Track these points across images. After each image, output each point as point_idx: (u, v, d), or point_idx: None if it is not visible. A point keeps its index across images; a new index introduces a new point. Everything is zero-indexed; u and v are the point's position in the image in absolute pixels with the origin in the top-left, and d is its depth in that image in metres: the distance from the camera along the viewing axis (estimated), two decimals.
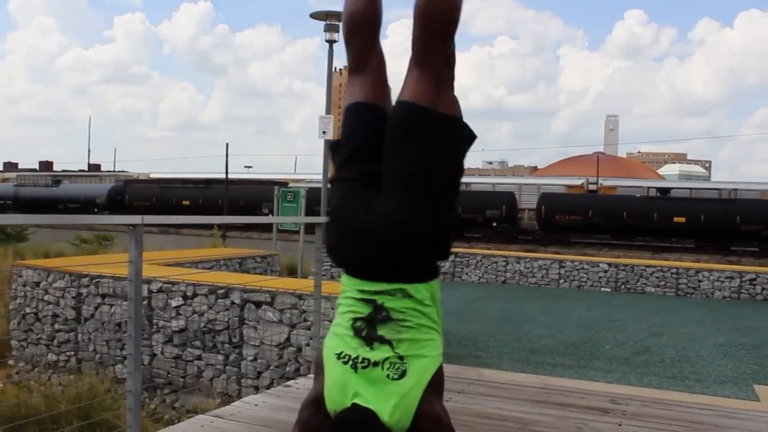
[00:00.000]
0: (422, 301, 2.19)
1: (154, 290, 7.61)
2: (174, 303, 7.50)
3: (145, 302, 7.54)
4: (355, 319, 2.20)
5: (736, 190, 40.59)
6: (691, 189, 43.74)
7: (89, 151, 74.60)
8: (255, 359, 7.10)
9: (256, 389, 6.97)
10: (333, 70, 17.29)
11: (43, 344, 8.37)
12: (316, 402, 2.25)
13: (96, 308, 7.96)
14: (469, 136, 2.28)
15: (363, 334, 2.18)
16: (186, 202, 38.55)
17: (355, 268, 2.24)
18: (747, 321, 10.84)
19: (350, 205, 2.25)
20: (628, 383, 6.43)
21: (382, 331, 2.16)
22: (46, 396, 6.42)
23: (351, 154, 2.30)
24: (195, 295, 7.44)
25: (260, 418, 4.70)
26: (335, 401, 2.17)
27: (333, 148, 2.41)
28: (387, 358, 2.15)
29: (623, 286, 14.56)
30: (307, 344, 6.78)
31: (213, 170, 47.86)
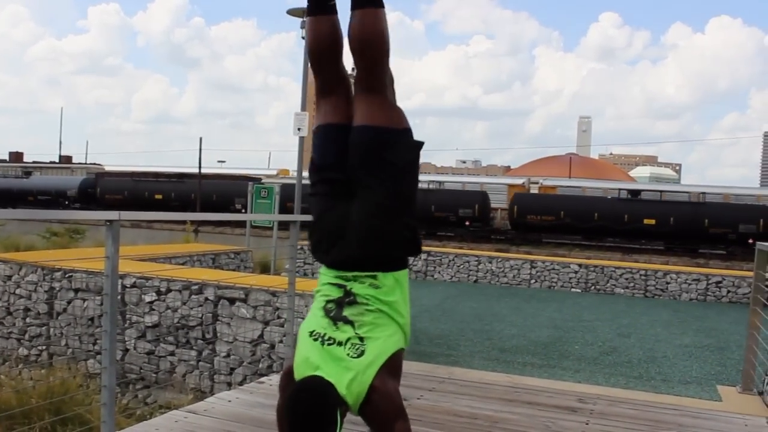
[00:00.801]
0: (386, 290, 2.56)
1: (128, 285, 7.59)
2: (148, 298, 7.49)
3: (119, 297, 7.52)
4: (327, 301, 2.57)
5: (704, 193, 41.10)
6: (661, 191, 44.28)
7: (60, 142, 73.53)
8: (228, 355, 7.11)
9: (229, 385, 6.99)
10: (309, 66, 17.30)
11: (14, 338, 8.31)
12: (289, 373, 2.61)
13: (69, 303, 7.91)
14: (417, 143, 2.69)
15: (332, 314, 2.54)
16: (158, 196, 38.19)
17: (335, 263, 2.60)
18: (712, 323, 11.05)
19: (330, 215, 2.63)
20: (596, 383, 6.55)
21: (346, 312, 2.52)
22: (17, 391, 6.38)
23: (325, 171, 2.66)
24: (169, 290, 7.43)
25: (234, 413, 4.74)
26: (301, 372, 2.50)
27: (310, 167, 2.74)
28: (349, 339, 2.48)
29: (593, 287, 14.75)
30: (281, 341, 6.82)
31: (186, 164, 47.46)
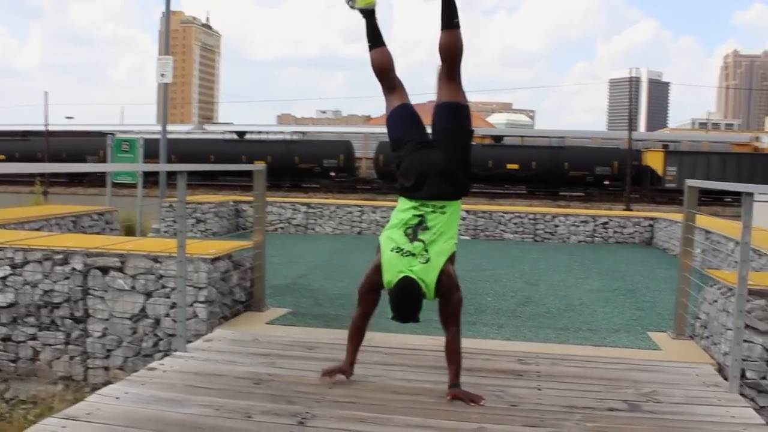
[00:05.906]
0: (449, 216, 3.87)
1: None
2: (0, 273, 6.21)
3: None
4: (407, 227, 3.85)
5: (563, 137, 42.29)
6: (522, 137, 45.20)
7: None
8: (103, 335, 5.99)
9: (106, 369, 5.96)
10: (169, 16, 15.74)
11: None
12: (378, 267, 3.94)
13: None
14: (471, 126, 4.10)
15: (410, 236, 3.82)
16: (1, 157, 35.07)
17: (424, 196, 3.86)
18: (609, 264, 10.88)
19: (414, 162, 3.92)
20: (525, 338, 6.03)
21: (421, 236, 3.81)
22: None
23: (402, 139, 4.03)
24: (26, 262, 6.17)
25: (125, 414, 3.75)
26: (387, 268, 3.86)
27: (395, 138, 4.10)
28: (420, 252, 3.78)
29: (482, 233, 14.38)
30: (167, 314, 5.82)
31: (30, 122, 43.72)
